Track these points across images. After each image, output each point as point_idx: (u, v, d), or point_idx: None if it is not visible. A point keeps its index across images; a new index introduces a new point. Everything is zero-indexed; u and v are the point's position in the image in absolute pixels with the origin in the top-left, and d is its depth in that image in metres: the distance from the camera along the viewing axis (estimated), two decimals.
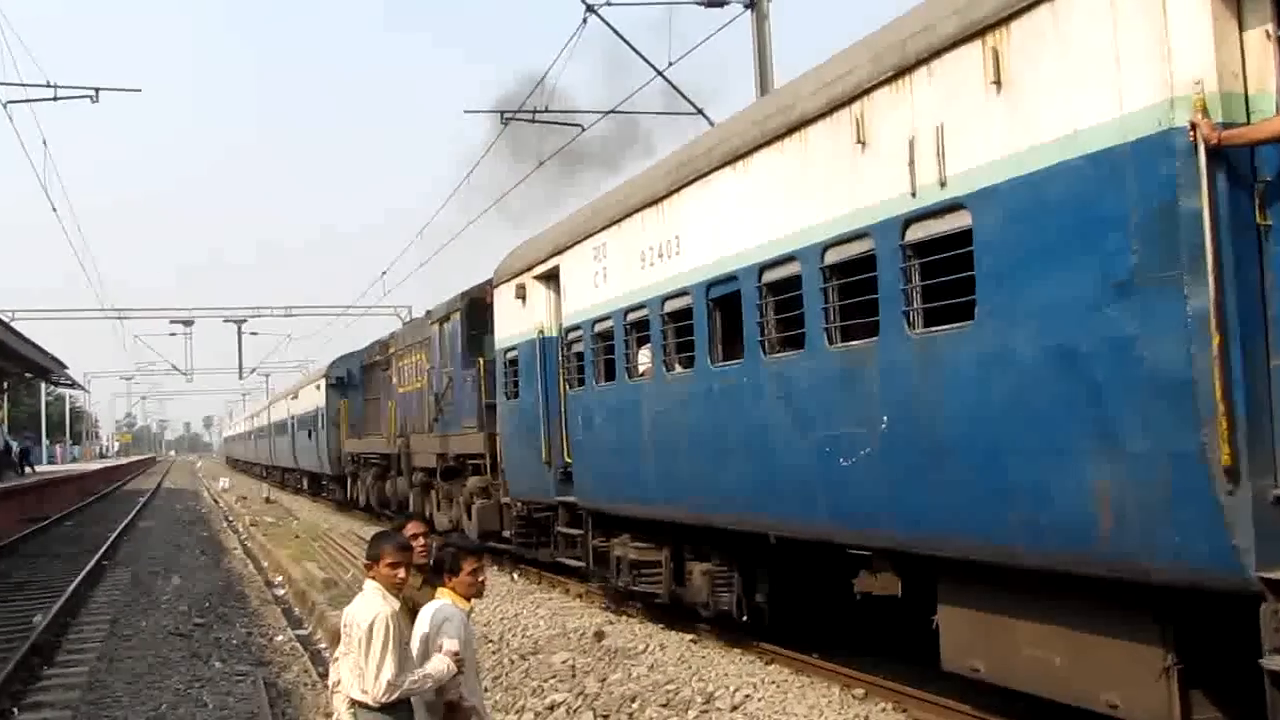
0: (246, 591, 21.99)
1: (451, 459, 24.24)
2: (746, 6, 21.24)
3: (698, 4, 21.42)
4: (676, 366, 12.74)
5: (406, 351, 31.39)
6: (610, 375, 14.55)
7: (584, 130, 26.03)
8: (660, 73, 21.57)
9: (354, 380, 41.59)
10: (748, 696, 10.99)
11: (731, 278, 11.32)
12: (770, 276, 10.66)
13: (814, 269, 9.87)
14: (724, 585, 13.09)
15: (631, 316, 13.77)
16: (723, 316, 11.84)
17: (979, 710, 9.79)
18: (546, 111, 25.27)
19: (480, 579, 6.97)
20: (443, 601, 6.85)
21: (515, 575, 21.66)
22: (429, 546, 7.62)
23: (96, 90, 30.05)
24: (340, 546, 26.91)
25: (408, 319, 48.45)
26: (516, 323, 18.03)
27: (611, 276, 14.27)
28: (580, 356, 15.57)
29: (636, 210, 13.53)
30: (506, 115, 25.78)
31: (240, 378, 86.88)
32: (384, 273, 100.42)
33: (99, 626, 18.10)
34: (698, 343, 12.06)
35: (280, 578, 23.94)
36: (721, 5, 21.35)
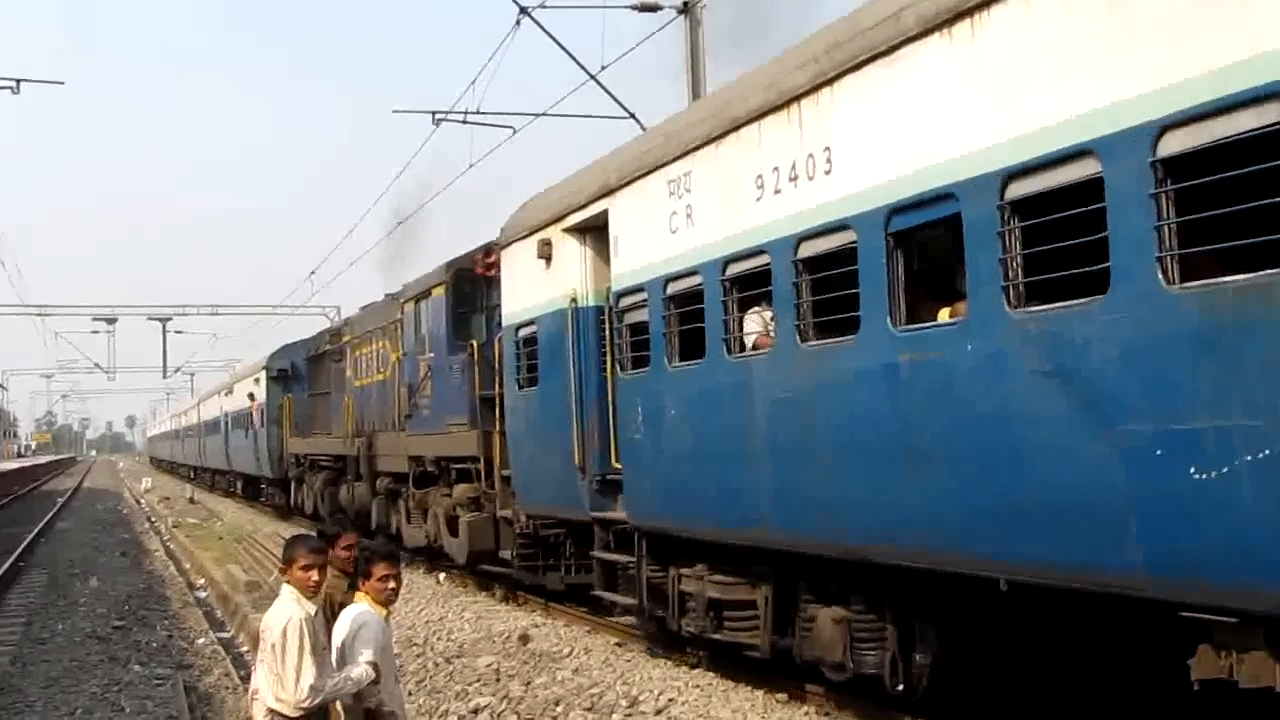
0: (168, 594, 21.60)
1: (430, 463, 20.26)
2: (680, 12, 21.05)
3: (631, 8, 21.27)
4: (816, 335, 8.98)
5: (366, 339, 27.35)
6: (693, 352, 10.75)
7: (515, 132, 25.50)
8: (593, 76, 21.27)
9: (298, 373, 37.42)
10: (671, 700, 10.84)
11: (940, 197, 7.57)
12: (1029, 187, 6.92)
13: (1136, 168, 6.15)
14: (870, 640, 9.36)
15: (736, 269, 9.97)
16: (908, 258, 8.12)
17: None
18: (479, 113, 25.08)
19: (390, 585, 6.81)
20: (361, 607, 6.75)
21: (441, 578, 20.85)
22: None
23: (18, 81, 28.68)
24: (264, 548, 26.45)
25: (335, 319, 44.09)
26: (536, 290, 14.14)
27: (701, 216, 10.45)
28: (640, 329, 11.73)
29: (747, 121, 9.73)
30: (438, 116, 25.49)
31: (164, 376, 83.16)
32: (312, 272, 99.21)
33: (12, 630, 17.59)
34: (866, 298, 8.27)
35: (203, 580, 23.66)
36: (655, 10, 21.13)
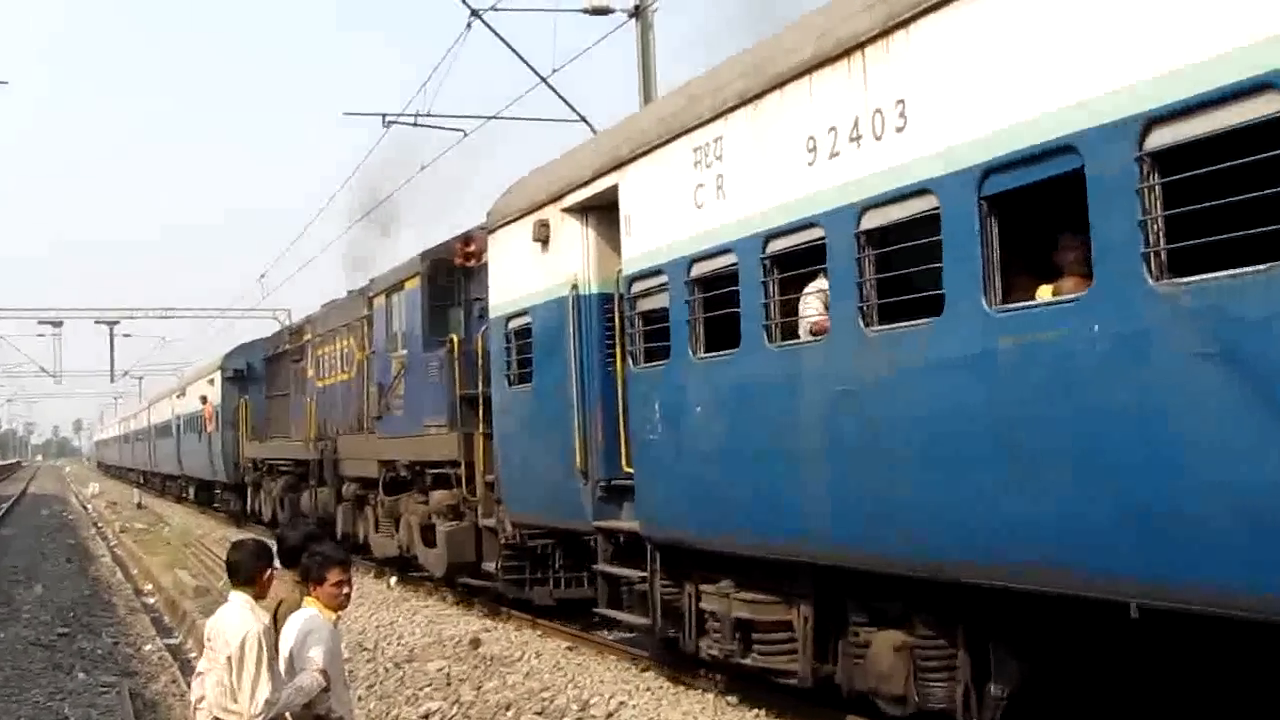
0: (114, 600, 21.26)
1: (404, 468, 18.89)
2: (631, 15, 20.92)
3: (583, 11, 20.98)
4: (883, 319, 7.76)
5: (329, 337, 25.90)
6: (723, 341, 9.50)
7: (466, 135, 25.28)
8: (544, 79, 21.11)
9: (255, 374, 35.82)
10: (622, 704, 10.79)
11: (1053, 151, 6.36)
12: (1179, 133, 5.72)
13: None
14: (938, 669, 8.14)
15: (780, 245, 8.72)
16: (1003, 227, 6.91)
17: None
18: (429, 116, 24.85)
19: (345, 591, 6.66)
20: (310, 612, 6.53)
21: (392, 582, 20.46)
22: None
23: None
24: (212, 553, 25.66)
25: (287, 322, 42.39)
26: (530, 277, 12.84)
27: (735, 186, 9.19)
28: (657, 316, 10.47)
29: (795, 76, 8.49)
30: (389, 119, 25.46)
31: (112, 380, 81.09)
32: (262, 275, 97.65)
33: None
34: (952, 274, 7.04)
35: (150, 585, 23.25)
36: (606, 14, 20.92)
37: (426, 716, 10.97)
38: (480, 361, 15.75)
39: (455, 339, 16.76)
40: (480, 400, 15.69)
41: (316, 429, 25.52)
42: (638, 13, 20.89)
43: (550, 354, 12.35)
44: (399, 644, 14.60)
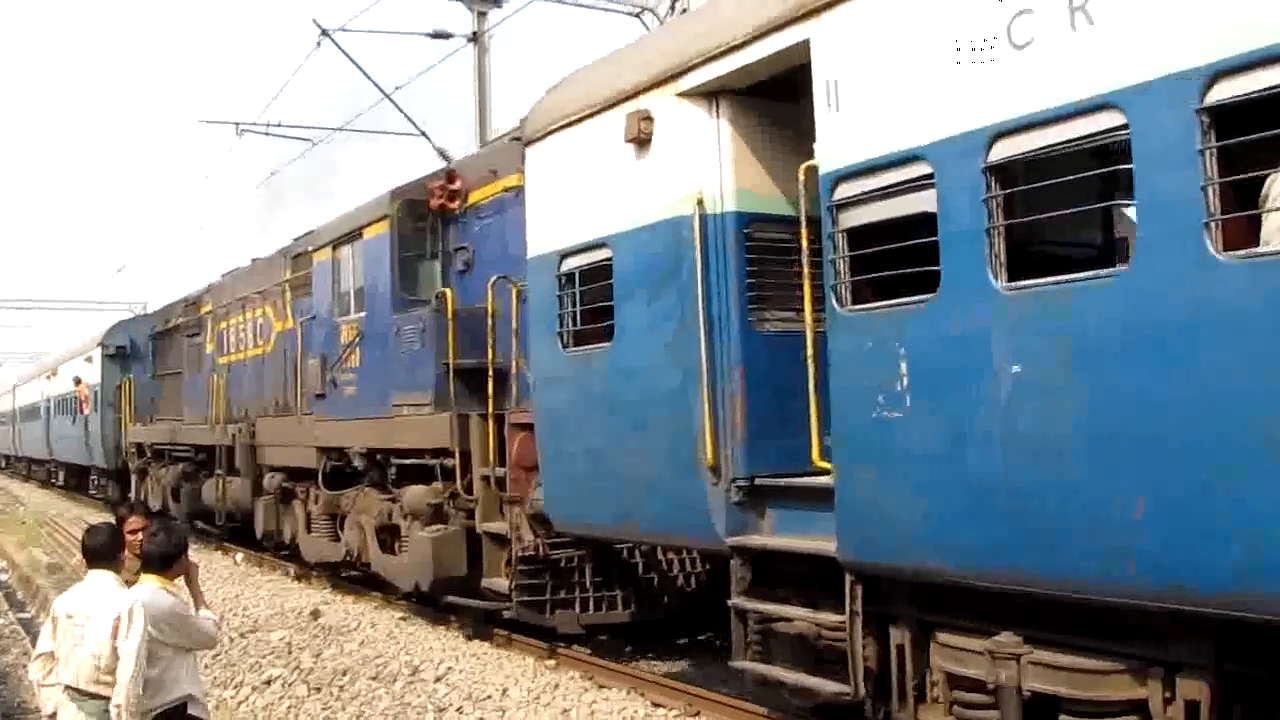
0: None
1: (359, 456, 14.14)
2: (469, 40, 21.62)
3: (425, 35, 21.62)
4: None
5: (235, 308, 20.88)
6: (1051, 263, 5.39)
7: (314, 145, 25.42)
8: (387, 95, 21.18)
9: (139, 351, 30.24)
10: (450, 668, 10.77)
11: None
12: None
13: None
14: None
15: (1227, 93, 4.61)
16: None
17: (654, 679, 9.70)
18: (280, 126, 24.99)
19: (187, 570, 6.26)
20: (151, 587, 5.94)
21: (238, 558, 20.19)
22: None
23: None
24: (67, 532, 24.97)
25: (143, 313, 36.55)
26: (612, 196, 8.36)
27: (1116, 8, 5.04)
28: (899, 230, 6.16)
29: None
30: (241, 127, 25.02)
31: None
32: (120, 269, 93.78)
33: None
34: None
35: (4, 563, 22.24)
36: (446, 38, 21.60)
37: (269, 682, 10.86)
38: (491, 322, 11.29)
39: (449, 292, 12.15)
40: (490, 373, 11.25)
41: (223, 410, 20.48)
42: (475, 38, 21.66)
43: (651, 301, 7.97)
44: (244, 615, 14.45)
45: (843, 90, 6.45)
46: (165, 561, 5.99)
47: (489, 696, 9.78)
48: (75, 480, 37.86)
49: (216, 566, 19.07)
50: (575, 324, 8.92)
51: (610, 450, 8.39)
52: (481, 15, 21.79)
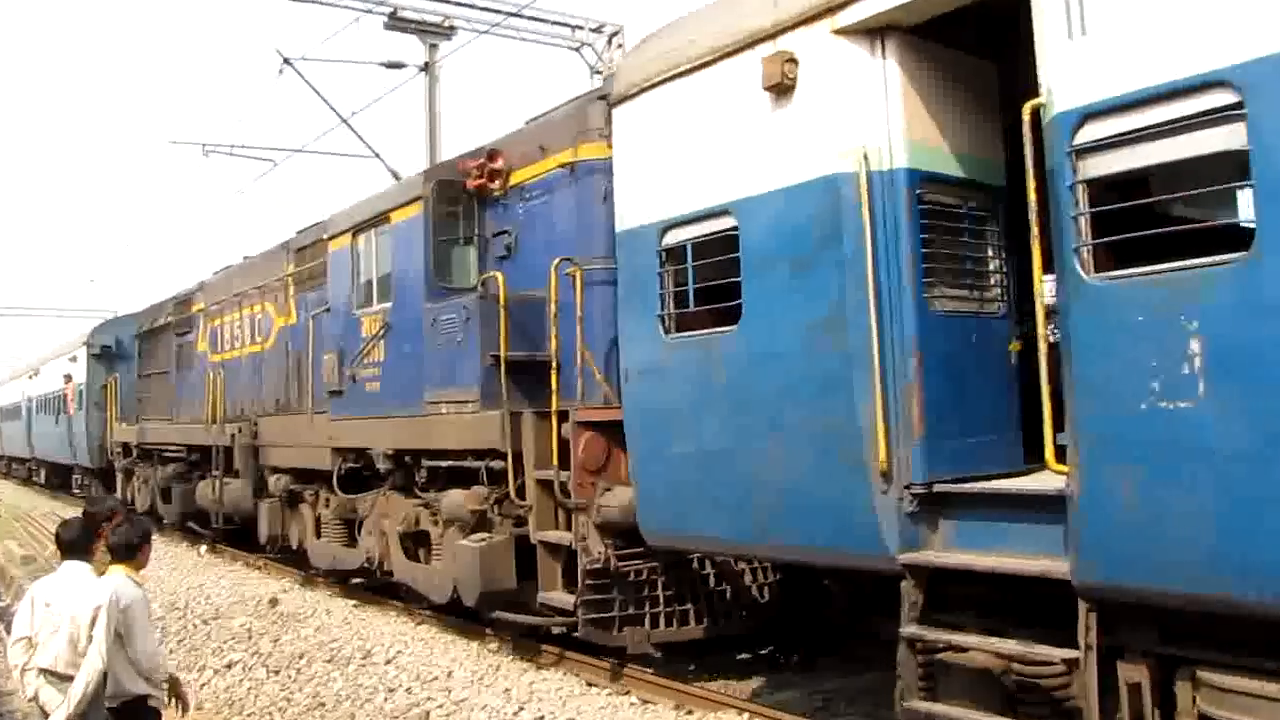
0: None
1: (384, 458, 12.45)
2: (421, 70, 22.22)
3: (380, 65, 22.18)
4: None
5: (231, 305, 19.15)
6: None
7: (276, 165, 25.59)
8: (344, 120, 21.30)
9: (125, 351, 28.30)
10: (400, 652, 10.92)
11: None
12: None
13: None
14: None
15: None
16: None
17: (597, 659, 9.70)
18: (245, 147, 25.50)
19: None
20: (122, 580, 6.02)
21: (202, 550, 20.24)
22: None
23: None
24: (41, 525, 25.05)
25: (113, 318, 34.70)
26: (738, 154, 6.80)
27: None
28: (1184, 174, 4.74)
29: None
30: (208, 148, 25.34)
31: None
32: (92, 280, 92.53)
33: None
34: None
35: None
36: (400, 67, 22.12)
37: (230, 666, 11.00)
38: (553, 309, 9.69)
39: (500, 276, 10.53)
40: (555, 365, 9.66)
41: (224, 408, 18.71)
42: (427, 68, 22.22)
43: (796, 275, 6.42)
44: (206, 603, 14.62)
45: (1092, 11, 4.95)
46: (130, 550, 6.13)
47: (436, 678, 9.99)
48: (58, 479, 35.72)
49: (182, 556, 19.40)
50: (684, 306, 7.35)
51: (735, 451, 6.83)
52: (433, 47, 22.49)
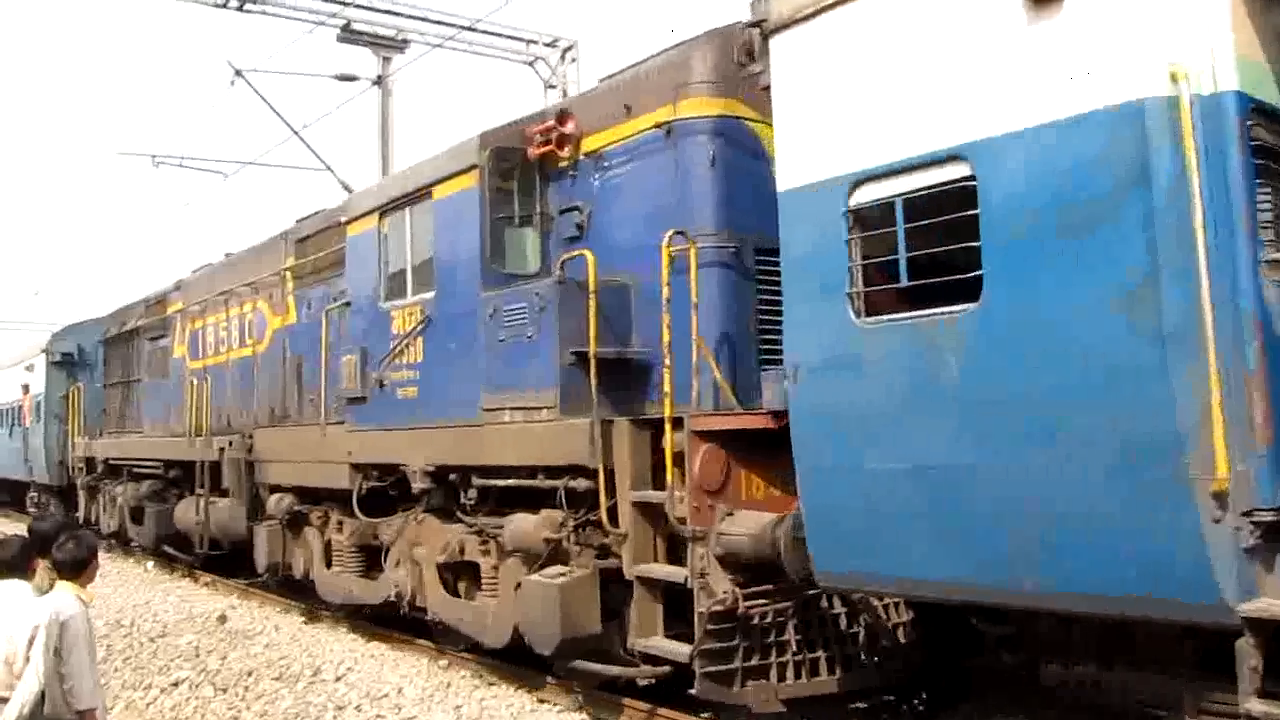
0: None
1: (422, 475, 10.84)
2: (374, 83, 22.30)
3: (332, 78, 22.17)
4: None
5: (215, 305, 17.53)
6: None
7: (227, 178, 25.68)
8: (296, 132, 21.04)
9: (88, 358, 26.43)
10: (350, 669, 10.90)
11: None
12: None
13: None
14: None
15: None
16: None
17: (544, 673, 9.59)
18: (195, 159, 25.73)
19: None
20: (65, 597, 5.85)
21: (149, 565, 19.91)
22: None
23: None
24: None
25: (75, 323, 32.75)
26: (974, 94, 5.29)
27: None
28: None
29: None
30: (158, 159, 25.25)
31: None
32: (37, 292, 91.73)
33: None
34: None
35: None
36: (352, 80, 22.15)
37: (176, 684, 10.79)
38: (667, 295, 8.13)
39: (590, 256, 8.92)
40: (669, 363, 8.11)
41: (208, 419, 16.99)
42: (380, 81, 22.27)
43: (1073, 236, 4.96)
44: (153, 620, 14.40)
45: None
46: (77, 567, 6.02)
47: (386, 695, 9.93)
48: (9, 496, 33.56)
49: (129, 573, 19.15)
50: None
51: (975, 468, 5.33)
52: (386, 60, 22.44)
